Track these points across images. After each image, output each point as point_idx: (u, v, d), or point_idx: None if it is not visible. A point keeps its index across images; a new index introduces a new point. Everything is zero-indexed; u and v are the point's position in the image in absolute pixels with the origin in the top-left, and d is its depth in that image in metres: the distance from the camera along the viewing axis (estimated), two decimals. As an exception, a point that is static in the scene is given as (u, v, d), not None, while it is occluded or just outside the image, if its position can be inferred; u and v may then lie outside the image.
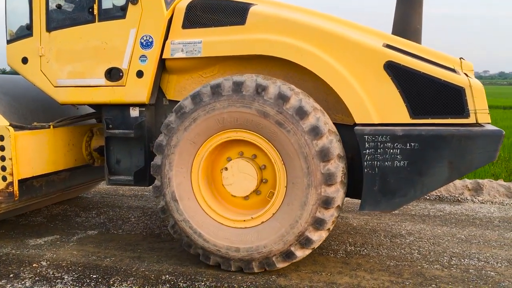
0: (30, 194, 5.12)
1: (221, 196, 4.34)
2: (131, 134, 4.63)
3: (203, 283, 4.09)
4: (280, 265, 4.14)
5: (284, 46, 4.13)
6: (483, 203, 7.10)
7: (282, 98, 3.85)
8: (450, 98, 3.82)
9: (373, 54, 3.97)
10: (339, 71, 4.00)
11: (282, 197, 4.03)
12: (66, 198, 6.81)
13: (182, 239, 4.32)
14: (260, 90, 3.89)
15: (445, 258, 4.72)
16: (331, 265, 4.47)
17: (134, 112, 4.72)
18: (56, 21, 4.82)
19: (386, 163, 3.85)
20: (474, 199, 7.21)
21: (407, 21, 4.70)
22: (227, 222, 4.19)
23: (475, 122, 3.79)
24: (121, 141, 4.80)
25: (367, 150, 3.87)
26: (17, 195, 4.48)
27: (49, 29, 4.81)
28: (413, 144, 3.78)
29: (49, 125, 4.96)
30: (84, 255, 4.77)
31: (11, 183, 4.45)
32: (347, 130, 4.22)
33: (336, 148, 3.88)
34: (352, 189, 4.19)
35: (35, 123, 4.95)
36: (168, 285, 4.06)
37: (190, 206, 4.20)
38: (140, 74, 4.53)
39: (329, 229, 4.03)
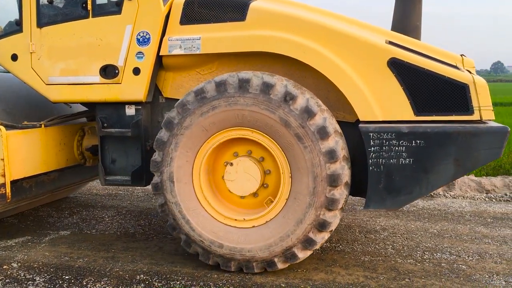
0: (20, 196, 4.95)
1: (217, 188, 4.26)
2: (128, 133, 4.51)
3: (178, 282, 4.06)
4: (258, 270, 4.13)
5: (287, 43, 4.06)
6: (455, 198, 7.24)
7: (308, 112, 3.77)
8: (454, 95, 3.81)
9: (377, 51, 3.94)
10: (342, 68, 3.95)
11: (280, 208, 4.00)
12: (54, 199, 6.63)
13: (168, 220, 4.25)
14: (288, 98, 3.80)
15: (418, 252, 4.80)
16: (307, 262, 4.45)
17: (130, 111, 4.59)
18: (48, 16, 4.66)
19: (391, 160, 3.82)
20: (446, 194, 7.34)
21: (407, 18, 4.68)
22: (218, 217, 4.14)
23: (479, 119, 3.80)
24: (117, 140, 4.67)
25: (372, 148, 3.83)
26: (10, 196, 4.33)
27: (40, 25, 4.65)
28: (418, 141, 3.76)
29: (40, 124, 4.80)
30: (56, 256, 4.68)
31: (3, 185, 4.29)
32: (348, 128, 4.19)
33: (346, 175, 3.86)
34: (352, 187, 4.16)
35: (25, 122, 4.79)
36: (143, 285, 4.02)
37: (185, 191, 4.11)
38: (136, 71, 4.41)
39: (316, 248, 4.03)
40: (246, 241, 4.04)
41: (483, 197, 7.23)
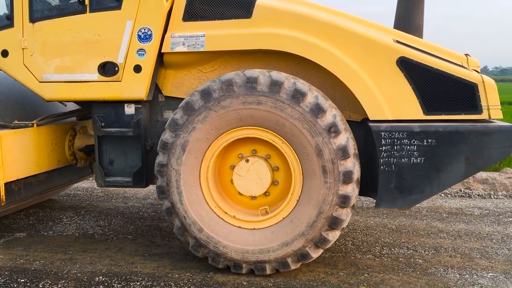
0: (9, 199, 4.71)
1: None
2: (129, 133, 4.35)
3: (138, 283, 4.02)
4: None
5: (295, 41, 4.00)
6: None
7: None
8: (463, 94, 3.85)
9: (386, 50, 3.93)
10: (351, 67, 3.93)
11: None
12: (39, 201, 6.37)
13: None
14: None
15: (377, 248, 4.89)
16: None
17: (129, 109, 4.44)
18: (41, 11, 4.45)
19: (402, 159, 3.82)
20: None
21: (410, 17, 4.69)
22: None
23: (488, 118, 3.84)
24: (115, 140, 4.50)
25: (384, 147, 3.82)
26: (4, 200, 4.12)
27: (32, 19, 4.43)
28: (430, 140, 3.77)
29: (33, 124, 4.59)
30: (11, 258, 4.55)
31: (-3, 187, 4.07)
32: (353, 127, 4.16)
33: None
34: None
35: (16, 121, 4.56)
36: (102, 286, 3.96)
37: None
38: (138, 69, 4.26)
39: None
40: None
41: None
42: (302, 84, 3.80)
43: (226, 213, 4.04)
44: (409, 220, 5.86)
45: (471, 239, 5.19)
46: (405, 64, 3.89)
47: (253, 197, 4.11)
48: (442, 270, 4.34)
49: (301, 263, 4.05)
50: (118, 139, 4.49)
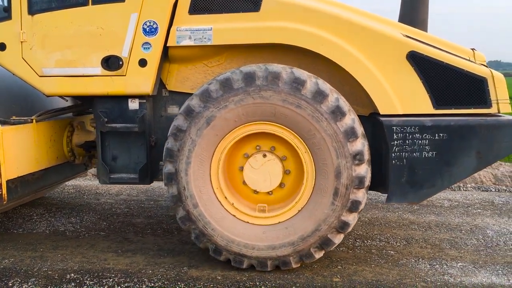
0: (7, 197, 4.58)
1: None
2: (135, 128, 4.26)
3: (111, 280, 3.99)
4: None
5: (304, 35, 3.97)
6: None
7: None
8: (473, 88, 3.88)
9: (396, 44, 3.93)
10: (362, 61, 3.92)
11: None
12: (32, 199, 6.20)
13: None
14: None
15: (350, 240, 4.95)
16: None
17: (133, 104, 4.34)
18: (40, 2, 4.30)
19: (414, 154, 3.83)
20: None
21: (415, 11, 4.70)
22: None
23: (497, 112, 3.87)
24: (118, 136, 4.40)
25: (395, 142, 3.83)
26: (6, 198, 3.99)
27: (31, 11, 4.28)
28: (441, 134, 3.79)
29: (32, 119, 4.45)
30: None
31: (-1, 185, 3.94)
32: (361, 121, 4.15)
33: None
34: None
35: (13, 117, 4.42)
36: (73, 283, 3.92)
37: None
38: (143, 63, 4.16)
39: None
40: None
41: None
42: (344, 102, 3.79)
43: (226, 198, 4.00)
44: (381, 213, 5.95)
45: (441, 230, 5.30)
46: (415, 59, 3.90)
47: (256, 192, 4.07)
48: (413, 261, 4.41)
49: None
50: (122, 135, 4.39)
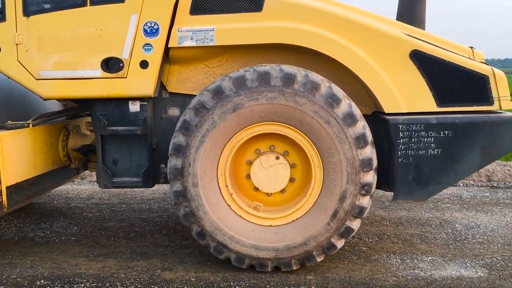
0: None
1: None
2: (137, 131, 4.18)
3: (82, 285, 3.96)
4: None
5: (308, 35, 3.97)
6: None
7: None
8: (474, 86, 3.94)
9: (399, 43, 3.97)
10: (366, 61, 3.95)
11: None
12: (22, 205, 6.04)
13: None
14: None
15: None
16: None
17: (134, 107, 4.26)
18: (36, 4, 4.18)
19: (420, 151, 3.88)
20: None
21: (413, 10, 4.74)
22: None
23: (499, 109, 3.94)
24: (119, 139, 4.31)
25: (401, 140, 3.86)
26: (6, 205, 3.87)
27: (27, 13, 4.16)
28: (446, 132, 3.84)
29: (28, 124, 4.33)
30: None
31: (-1, 192, 3.83)
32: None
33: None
34: None
35: (9, 122, 4.29)
36: None
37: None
38: (144, 64, 4.09)
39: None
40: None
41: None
42: (368, 132, 3.83)
43: (226, 186, 3.99)
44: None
45: (411, 225, 5.40)
46: (418, 57, 3.94)
47: (256, 189, 4.06)
48: (385, 256, 4.49)
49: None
50: (123, 138, 4.30)
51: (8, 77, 4.31)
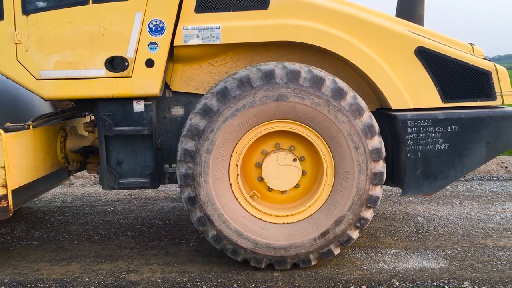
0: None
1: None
2: (144, 131, 4.11)
3: None
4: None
5: (315, 32, 3.98)
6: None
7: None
8: (478, 82, 4.03)
9: (404, 40, 4.02)
10: (373, 58, 3.99)
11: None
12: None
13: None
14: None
15: None
16: (184, 255, 4.55)
17: (139, 106, 4.19)
18: (35, 2, 4.07)
19: (428, 147, 3.94)
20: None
21: (412, 7, 4.82)
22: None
23: (502, 103, 4.04)
24: (124, 140, 4.23)
25: (410, 135, 3.92)
26: (12, 209, 3.76)
27: (26, 11, 4.04)
28: (453, 127, 3.91)
29: (29, 125, 4.21)
30: None
31: (5, 196, 3.72)
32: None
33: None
34: None
35: (8, 124, 4.16)
36: None
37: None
38: (150, 63, 4.03)
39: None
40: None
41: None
42: (384, 170, 3.89)
43: (236, 165, 3.96)
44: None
45: (376, 219, 5.51)
46: (423, 54, 4.00)
47: (261, 178, 4.05)
48: (350, 250, 4.55)
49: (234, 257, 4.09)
50: (128, 138, 4.23)
51: (7, 78, 4.19)
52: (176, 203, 6.46)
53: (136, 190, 7.05)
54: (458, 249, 4.52)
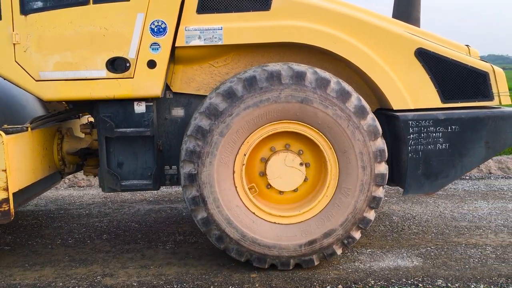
0: None
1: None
2: (146, 132, 4.08)
3: None
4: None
5: (317, 33, 4.01)
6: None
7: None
8: (476, 83, 4.12)
9: (405, 42, 4.09)
10: (374, 59, 4.04)
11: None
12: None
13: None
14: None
15: None
16: (160, 257, 4.55)
17: (140, 108, 4.16)
18: (34, 2, 4.00)
19: (429, 146, 4.00)
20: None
21: (409, 9, 4.89)
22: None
23: (499, 104, 4.13)
24: (125, 141, 4.19)
25: (411, 135, 3.98)
26: (13, 213, 3.69)
27: (24, 11, 3.97)
28: (454, 127, 3.99)
29: (27, 127, 4.14)
30: None
31: (6, 200, 3.66)
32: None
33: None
34: None
35: (6, 126, 4.09)
36: None
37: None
38: (152, 64, 4.00)
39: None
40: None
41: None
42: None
43: (244, 154, 3.97)
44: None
45: None
46: (422, 55, 4.07)
47: (263, 174, 4.07)
48: None
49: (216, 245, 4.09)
50: (129, 140, 4.19)
51: (4, 79, 4.11)
52: (152, 205, 6.41)
53: (112, 193, 6.94)
54: (432, 247, 4.60)
